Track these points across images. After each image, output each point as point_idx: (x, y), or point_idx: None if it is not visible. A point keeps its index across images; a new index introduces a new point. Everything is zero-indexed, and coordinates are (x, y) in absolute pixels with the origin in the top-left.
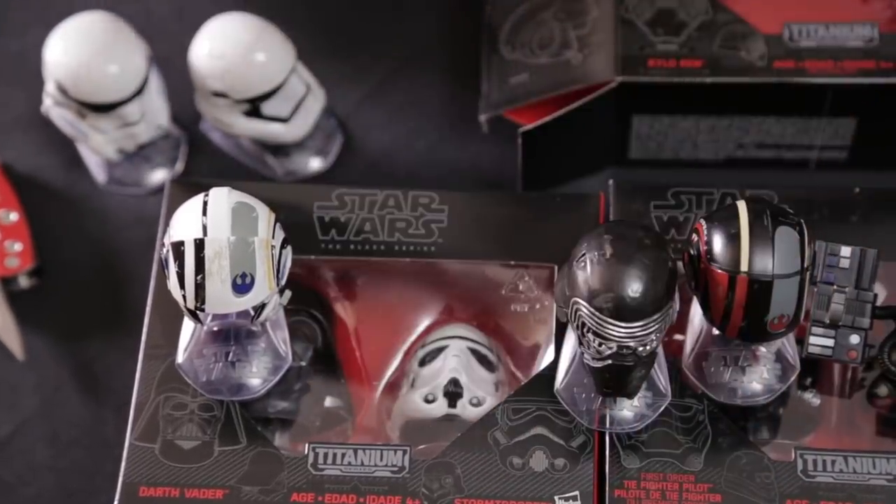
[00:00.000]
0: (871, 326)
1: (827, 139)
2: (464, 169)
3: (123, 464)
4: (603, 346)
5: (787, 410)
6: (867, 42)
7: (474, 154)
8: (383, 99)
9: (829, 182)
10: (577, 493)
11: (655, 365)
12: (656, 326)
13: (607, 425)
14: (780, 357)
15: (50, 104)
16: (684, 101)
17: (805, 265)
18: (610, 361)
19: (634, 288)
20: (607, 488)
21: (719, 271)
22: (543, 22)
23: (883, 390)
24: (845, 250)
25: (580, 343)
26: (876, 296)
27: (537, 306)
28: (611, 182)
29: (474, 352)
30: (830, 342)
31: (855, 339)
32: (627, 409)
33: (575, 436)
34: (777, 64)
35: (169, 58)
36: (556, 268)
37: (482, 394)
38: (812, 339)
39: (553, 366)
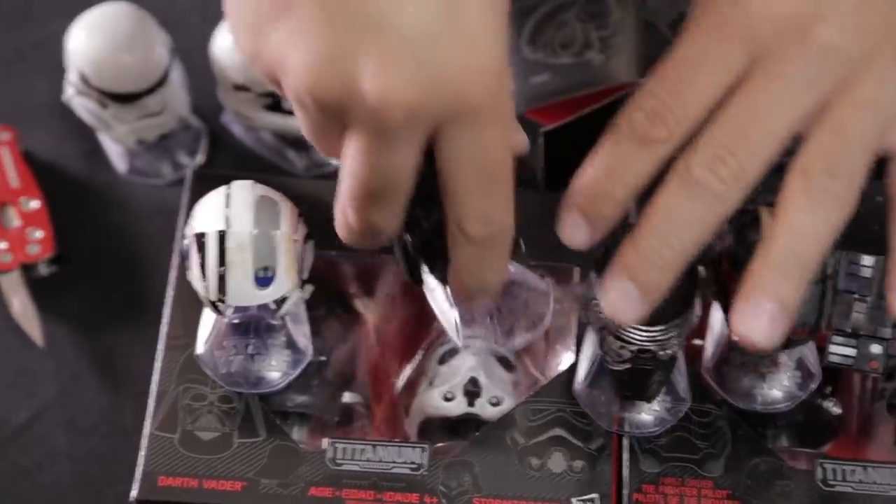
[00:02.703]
0: (892, 336)
1: None
2: None
3: (143, 453)
4: (623, 349)
5: (807, 419)
6: None
7: None
8: None
9: None
10: (595, 495)
11: (676, 369)
12: (676, 331)
13: (626, 428)
14: (800, 365)
15: (72, 93)
16: None
17: (827, 273)
18: (629, 365)
19: None
20: (625, 492)
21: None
22: (565, 22)
23: None
24: (867, 259)
25: (600, 345)
26: None
27: (557, 307)
28: None
29: (494, 351)
30: (852, 351)
31: (876, 348)
32: (647, 413)
33: (594, 438)
34: None
35: (190, 50)
36: (576, 269)
37: (501, 393)
38: (833, 348)
39: (573, 367)
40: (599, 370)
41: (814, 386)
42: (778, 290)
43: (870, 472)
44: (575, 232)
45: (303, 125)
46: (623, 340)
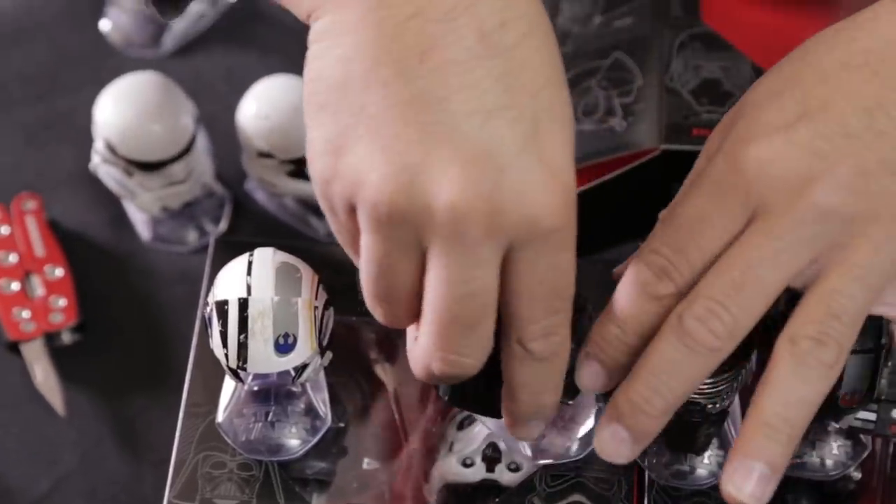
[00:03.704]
0: None
1: None
2: None
3: None
4: None
5: (827, 484)
6: None
7: None
8: None
9: None
10: None
11: (731, 423)
12: (725, 385)
13: (672, 480)
14: (851, 434)
15: (98, 162)
16: None
17: (882, 341)
18: (676, 416)
19: None
20: None
21: None
22: (588, 89)
23: None
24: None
25: None
26: None
27: None
28: None
29: None
30: (872, 416)
31: None
32: (700, 467)
33: None
34: None
35: (215, 117)
36: None
37: (520, 459)
38: None
39: (591, 433)
40: None
41: (864, 455)
42: (766, 452)
43: None
44: (593, 379)
45: (374, 253)
46: None
